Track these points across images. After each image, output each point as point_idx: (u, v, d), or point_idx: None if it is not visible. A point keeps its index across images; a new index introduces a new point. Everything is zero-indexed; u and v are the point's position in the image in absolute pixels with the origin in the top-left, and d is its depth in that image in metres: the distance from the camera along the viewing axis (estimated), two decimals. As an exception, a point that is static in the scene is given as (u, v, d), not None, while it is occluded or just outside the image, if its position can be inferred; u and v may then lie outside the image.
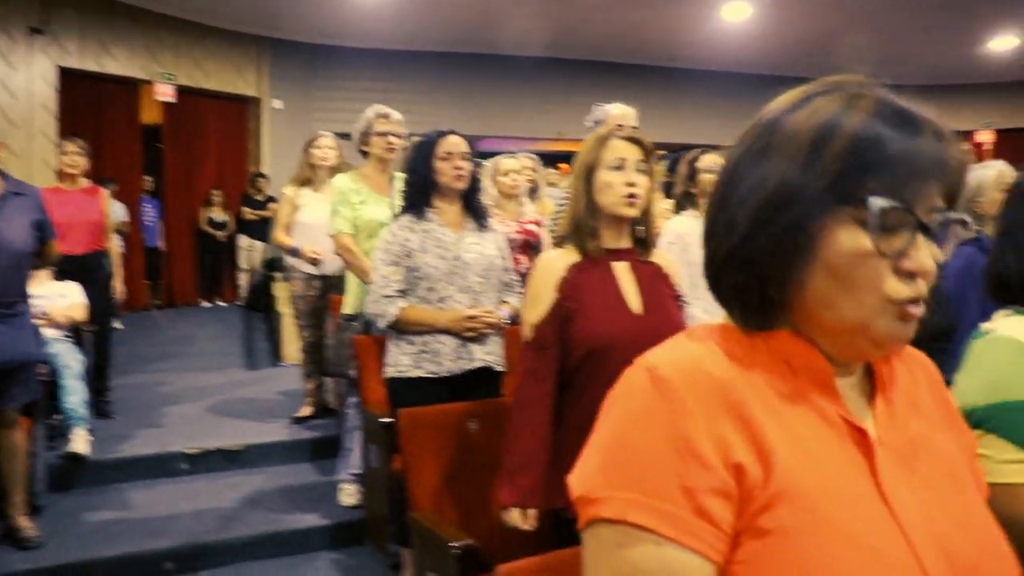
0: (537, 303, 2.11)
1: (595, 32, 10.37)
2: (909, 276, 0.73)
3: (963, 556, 0.73)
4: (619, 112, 3.57)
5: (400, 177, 3.40)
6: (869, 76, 0.78)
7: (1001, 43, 10.69)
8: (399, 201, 3.10)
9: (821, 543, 0.67)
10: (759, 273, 0.76)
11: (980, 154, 8.77)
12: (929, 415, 0.84)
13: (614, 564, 0.69)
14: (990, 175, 2.93)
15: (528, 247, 4.08)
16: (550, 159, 6.80)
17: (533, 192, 4.75)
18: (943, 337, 2.40)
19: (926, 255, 0.74)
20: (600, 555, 0.71)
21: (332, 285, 4.59)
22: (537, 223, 4.19)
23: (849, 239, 0.73)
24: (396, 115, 3.84)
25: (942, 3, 9.10)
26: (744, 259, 0.77)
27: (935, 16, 9.57)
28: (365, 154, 3.87)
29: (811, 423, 0.74)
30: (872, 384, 0.82)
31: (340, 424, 4.23)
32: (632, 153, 2.12)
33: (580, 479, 0.73)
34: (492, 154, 4.35)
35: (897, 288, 0.73)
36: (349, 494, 3.90)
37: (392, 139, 3.78)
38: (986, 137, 11.53)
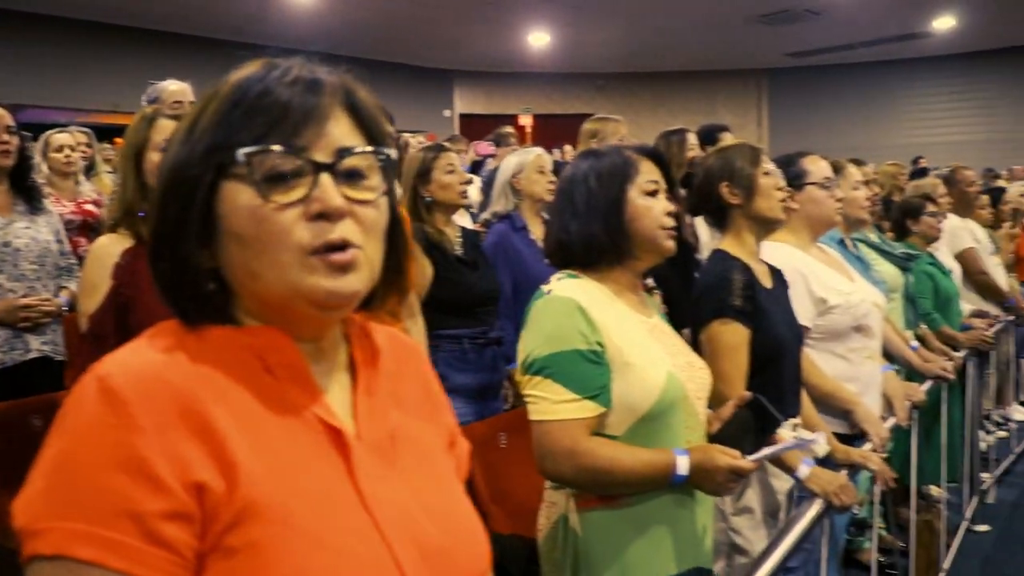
0: (93, 292, 2.01)
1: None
2: (321, 219, 0.70)
3: (434, 544, 0.74)
4: (175, 88, 3.44)
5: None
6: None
7: (537, 39, 12.20)
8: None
9: (294, 555, 0.65)
10: (184, 262, 0.73)
11: (523, 136, 9.94)
12: (412, 403, 0.85)
13: None
14: (530, 157, 3.37)
15: (88, 228, 3.85)
16: (105, 132, 6.31)
17: (89, 169, 4.47)
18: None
19: (332, 194, 0.70)
20: None
21: None
22: (96, 203, 3.98)
23: (242, 199, 0.70)
24: None
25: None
26: (160, 251, 0.74)
27: (486, 9, 10.58)
28: None
29: (284, 426, 0.71)
30: (354, 373, 0.81)
31: None
32: None
33: (22, 506, 0.64)
34: (38, 126, 4.01)
35: (305, 235, 0.69)
36: None
37: None
38: (527, 121, 13.06)
